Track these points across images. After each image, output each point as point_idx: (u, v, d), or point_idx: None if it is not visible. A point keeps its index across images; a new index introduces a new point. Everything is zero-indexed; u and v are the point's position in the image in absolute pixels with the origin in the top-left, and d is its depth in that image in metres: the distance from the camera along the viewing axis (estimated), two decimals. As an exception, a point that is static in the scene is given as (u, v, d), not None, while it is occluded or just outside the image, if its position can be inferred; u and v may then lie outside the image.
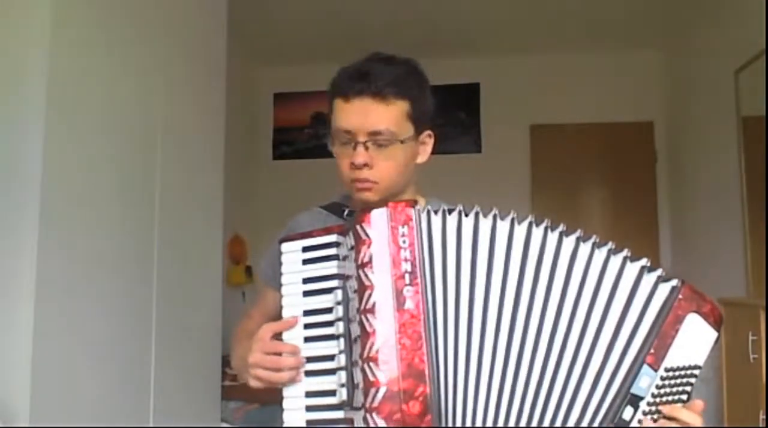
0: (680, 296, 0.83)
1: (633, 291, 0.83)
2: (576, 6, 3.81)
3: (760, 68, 2.96)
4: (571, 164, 4.53)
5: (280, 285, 0.93)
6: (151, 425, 2.21)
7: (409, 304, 0.81)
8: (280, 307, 0.92)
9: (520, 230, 0.85)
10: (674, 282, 0.84)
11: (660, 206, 4.45)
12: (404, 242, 0.84)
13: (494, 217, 0.86)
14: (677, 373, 0.83)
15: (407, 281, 0.82)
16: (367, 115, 0.98)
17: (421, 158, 1.08)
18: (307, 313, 0.89)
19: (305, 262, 0.91)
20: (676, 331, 0.83)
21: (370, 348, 0.80)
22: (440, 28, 4.12)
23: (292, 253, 0.93)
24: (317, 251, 0.91)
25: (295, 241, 0.93)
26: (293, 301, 0.91)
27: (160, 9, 2.36)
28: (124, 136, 2.12)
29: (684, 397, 0.83)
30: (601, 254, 0.84)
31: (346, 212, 1.08)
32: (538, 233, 0.85)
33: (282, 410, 0.88)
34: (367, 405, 0.79)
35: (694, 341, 0.83)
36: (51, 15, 1.73)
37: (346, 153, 1.02)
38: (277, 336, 0.92)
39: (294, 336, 0.90)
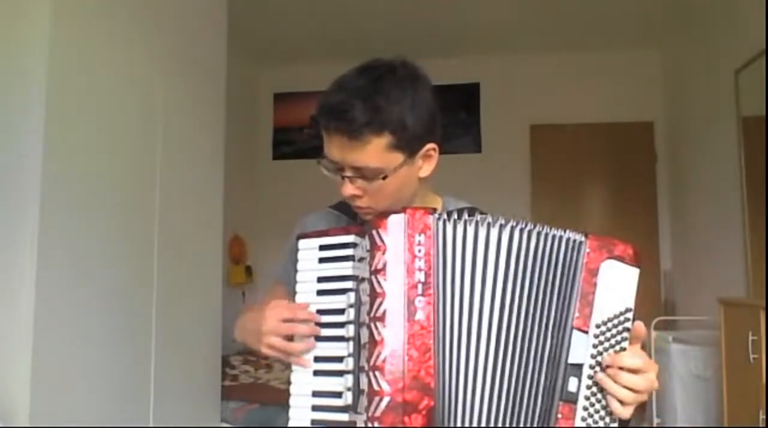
0: (588, 250, 0.84)
1: (555, 266, 0.84)
2: (576, 6, 3.81)
3: (760, 68, 2.95)
4: (571, 164, 4.53)
5: (293, 286, 0.92)
6: (151, 425, 2.21)
7: (419, 315, 0.81)
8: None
9: (518, 237, 0.84)
10: (578, 237, 0.84)
11: (660, 206, 4.45)
12: (420, 251, 0.82)
13: (507, 226, 0.85)
14: (609, 324, 0.83)
15: (420, 291, 0.81)
16: (345, 153, 0.94)
17: (424, 172, 1.02)
18: (319, 312, 0.89)
19: (321, 261, 0.91)
20: (594, 285, 0.83)
21: (377, 356, 0.80)
22: (440, 28, 4.12)
23: (308, 250, 0.92)
24: (334, 251, 0.90)
25: (313, 239, 0.93)
26: (307, 299, 0.90)
27: (160, 9, 2.36)
28: (124, 136, 2.12)
29: (625, 344, 0.83)
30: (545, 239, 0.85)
31: None
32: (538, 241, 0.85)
33: (288, 407, 0.88)
34: (370, 414, 0.79)
35: (617, 286, 0.83)
36: (51, 16, 1.74)
37: (337, 181, 1.00)
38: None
39: None
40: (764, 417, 2.30)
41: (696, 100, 3.93)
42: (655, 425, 3.33)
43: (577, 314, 0.82)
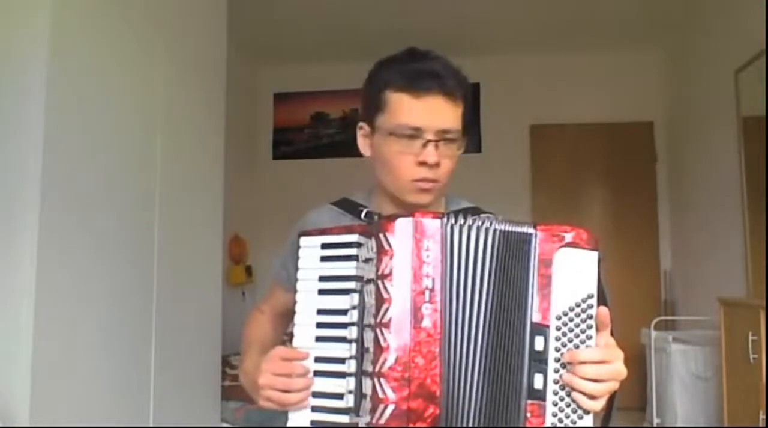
0: (539, 241, 0.81)
1: (511, 262, 0.82)
2: (576, 6, 3.81)
3: (760, 68, 2.96)
4: (571, 164, 4.53)
5: (293, 285, 0.90)
6: (151, 425, 2.21)
7: (426, 322, 0.78)
8: (294, 303, 0.90)
9: (483, 236, 0.82)
10: (527, 230, 0.82)
11: (660, 206, 4.45)
12: (428, 256, 0.80)
13: (474, 226, 0.83)
14: (571, 314, 0.80)
15: (427, 298, 0.79)
16: (438, 113, 0.95)
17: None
18: (320, 312, 0.87)
19: (323, 259, 0.88)
20: (549, 277, 0.80)
21: (383, 363, 0.78)
22: (440, 28, 4.11)
23: (310, 248, 0.90)
24: (336, 250, 0.88)
25: (315, 236, 0.91)
26: (307, 298, 0.88)
27: (160, 10, 2.36)
28: (124, 136, 2.12)
29: (591, 332, 0.80)
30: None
31: (363, 213, 1.05)
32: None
33: None
34: (374, 421, 0.77)
35: (574, 274, 0.80)
36: (50, 16, 1.73)
37: (410, 151, 0.97)
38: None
39: (305, 335, 0.88)
40: (764, 417, 2.31)
41: (696, 101, 3.94)
42: (655, 425, 3.33)
43: (536, 309, 0.80)
